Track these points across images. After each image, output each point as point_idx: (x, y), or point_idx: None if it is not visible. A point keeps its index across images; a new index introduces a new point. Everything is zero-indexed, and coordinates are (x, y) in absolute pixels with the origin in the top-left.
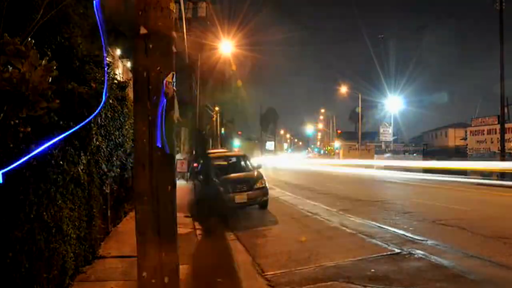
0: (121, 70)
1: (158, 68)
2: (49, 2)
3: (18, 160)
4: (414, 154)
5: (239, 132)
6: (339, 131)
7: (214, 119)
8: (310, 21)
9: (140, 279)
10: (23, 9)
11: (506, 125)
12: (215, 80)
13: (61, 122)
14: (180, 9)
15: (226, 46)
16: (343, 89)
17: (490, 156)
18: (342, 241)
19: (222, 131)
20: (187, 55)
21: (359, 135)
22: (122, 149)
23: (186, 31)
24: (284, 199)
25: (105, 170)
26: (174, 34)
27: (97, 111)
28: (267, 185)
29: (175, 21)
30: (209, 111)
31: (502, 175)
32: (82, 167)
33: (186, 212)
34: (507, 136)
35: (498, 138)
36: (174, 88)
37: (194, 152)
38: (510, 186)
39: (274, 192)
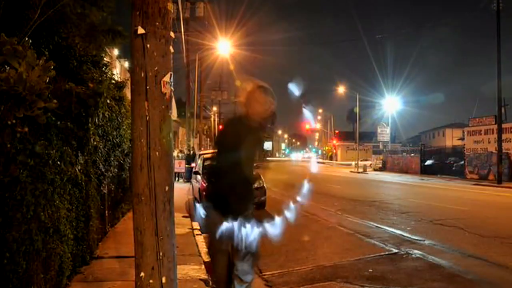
0: (118, 70)
1: (156, 68)
2: (47, 1)
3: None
4: (412, 154)
5: None
6: (337, 131)
7: (212, 119)
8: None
9: (137, 279)
10: (20, 9)
11: (503, 125)
12: (213, 80)
13: (58, 122)
14: (178, 9)
15: (224, 46)
16: (341, 89)
17: (487, 156)
18: (339, 241)
19: None
20: (185, 55)
21: (356, 135)
22: (119, 149)
23: (184, 31)
24: (281, 199)
25: (103, 170)
26: (172, 34)
27: None
28: (265, 185)
29: (173, 21)
30: (207, 111)
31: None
32: (79, 167)
33: (184, 212)
34: (504, 136)
35: (495, 138)
36: (172, 88)
37: (191, 152)
38: (506, 187)
39: (271, 192)
